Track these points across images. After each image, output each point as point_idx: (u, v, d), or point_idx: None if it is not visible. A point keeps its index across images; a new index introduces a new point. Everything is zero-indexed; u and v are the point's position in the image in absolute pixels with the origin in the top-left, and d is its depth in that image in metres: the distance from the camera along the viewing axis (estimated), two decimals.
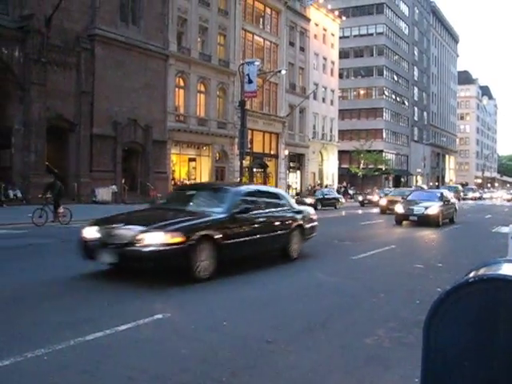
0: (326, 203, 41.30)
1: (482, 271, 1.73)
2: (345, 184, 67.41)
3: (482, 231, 23.69)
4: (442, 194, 28.11)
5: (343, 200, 46.55)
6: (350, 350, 5.84)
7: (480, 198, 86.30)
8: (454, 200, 30.56)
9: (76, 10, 35.08)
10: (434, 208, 24.58)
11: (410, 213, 24.83)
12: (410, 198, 28.11)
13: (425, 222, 24.01)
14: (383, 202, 36.24)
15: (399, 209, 25.52)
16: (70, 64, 34.64)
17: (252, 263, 11.84)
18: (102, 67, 36.62)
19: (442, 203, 25.72)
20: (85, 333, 5.98)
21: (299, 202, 32.07)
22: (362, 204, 49.26)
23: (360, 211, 39.03)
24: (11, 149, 32.27)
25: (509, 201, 76.13)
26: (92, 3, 36.29)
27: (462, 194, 77.10)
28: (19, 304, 7.59)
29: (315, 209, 23.34)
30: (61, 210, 21.87)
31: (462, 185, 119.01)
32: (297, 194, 53.20)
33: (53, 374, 4.84)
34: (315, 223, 14.12)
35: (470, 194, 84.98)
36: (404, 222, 25.06)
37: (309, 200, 38.52)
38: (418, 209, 24.68)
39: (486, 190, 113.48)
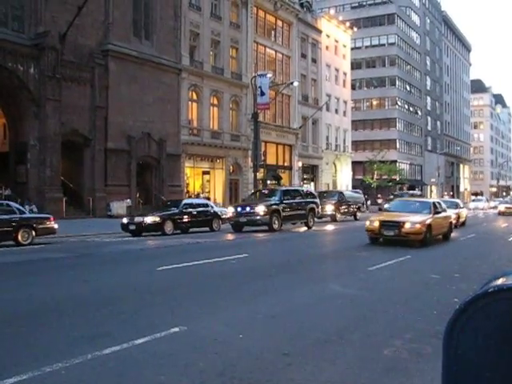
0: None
1: (500, 281, 1.72)
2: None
3: (498, 240, 23.49)
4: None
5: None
6: (367, 361, 5.79)
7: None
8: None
9: (89, 26, 35.48)
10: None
11: None
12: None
13: None
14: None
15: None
16: (84, 79, 34.98)
17: (268, 275, 11.84)
18: (115, 82, 36.93)
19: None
20: (102, 347, 6.00)
21: None
22: None
23: None
24: (27, 164, 32.57)
25: None
26: (105, 19, 36.69)
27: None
28: (36, 319, 7.64)
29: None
30: None
31: (476, 194, 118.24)
32: None
33: None
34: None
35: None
36: None
37: None
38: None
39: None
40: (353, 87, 78.97)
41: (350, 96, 73.92)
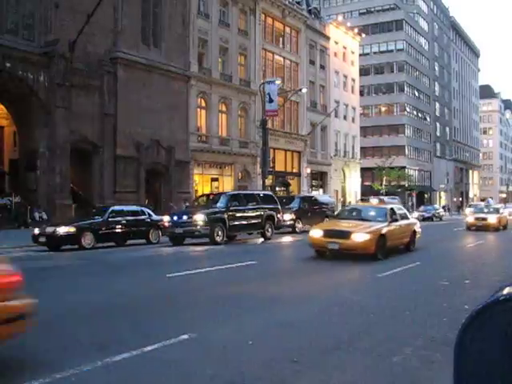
0: None
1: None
2: None
3: (507, 246, 23.37)
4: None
5: None
6: (377, 369, 5.77)
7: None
8: None
9: (98, 33, 35.63)
10: None
11: None
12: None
13: None
14: None
15: None
16: (93, 87, 35.13)
17: (275, 284, 11.83)
18: (124, 89, 37.05)
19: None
20: (112, 354, 6.01)
21: None
22: None
23: None
24: (36, 171, 32.71)
25: None
26: (114, 27, 36.87)
27: None
28: (45, 326, 7.65)
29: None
30: None
31: (485, 200, 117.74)
32: None
33: None
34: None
35: None
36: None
37: None
38: None
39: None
40: (361, 93, 78.90)
41: (358, 102, 73.86)
